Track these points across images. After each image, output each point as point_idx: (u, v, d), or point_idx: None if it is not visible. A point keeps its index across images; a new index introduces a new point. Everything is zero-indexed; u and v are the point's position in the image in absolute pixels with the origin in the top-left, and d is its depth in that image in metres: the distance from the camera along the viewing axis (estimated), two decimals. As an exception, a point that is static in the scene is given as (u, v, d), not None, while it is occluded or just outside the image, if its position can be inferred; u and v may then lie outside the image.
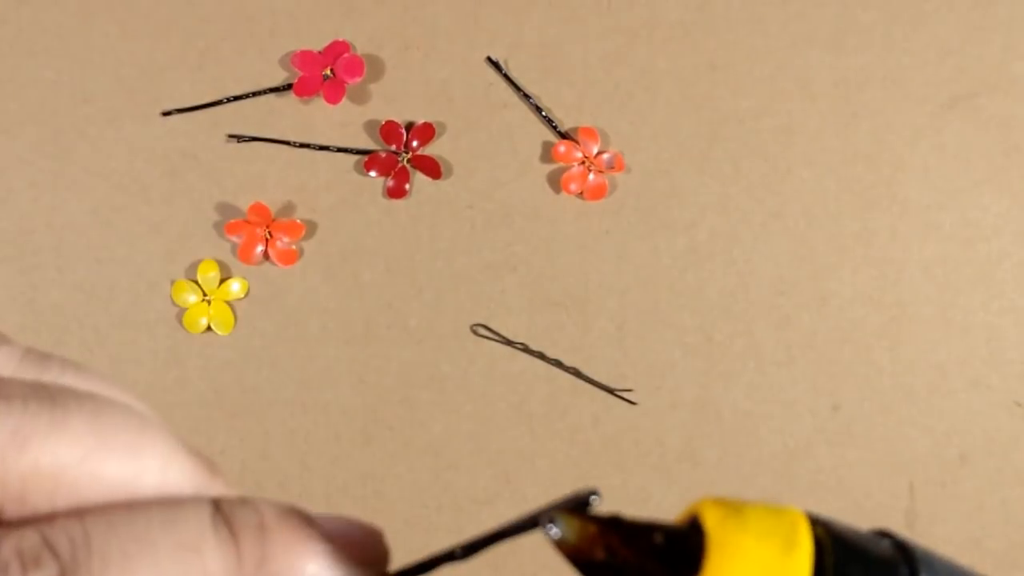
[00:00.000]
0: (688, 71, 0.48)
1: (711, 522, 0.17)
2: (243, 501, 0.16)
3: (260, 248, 0.47)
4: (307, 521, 0.16)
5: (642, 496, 0.46)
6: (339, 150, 0.47)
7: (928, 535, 0.46)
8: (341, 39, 0.48)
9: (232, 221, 0.47)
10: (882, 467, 0.46)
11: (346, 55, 0.47)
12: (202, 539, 0.15)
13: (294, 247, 0.47)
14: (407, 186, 0.47)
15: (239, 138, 0.48)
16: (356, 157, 0.48)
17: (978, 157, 0.47)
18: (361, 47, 0.48)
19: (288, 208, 0.48)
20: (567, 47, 0.48)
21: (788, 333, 0.46)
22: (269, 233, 0.47)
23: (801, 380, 0.46)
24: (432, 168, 0.47)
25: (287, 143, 0.48)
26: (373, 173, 0.47)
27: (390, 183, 0.47)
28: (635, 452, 0.46)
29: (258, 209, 0.47)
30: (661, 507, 0.46)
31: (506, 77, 0.48)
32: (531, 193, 0.47)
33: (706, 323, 0.47)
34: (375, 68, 0.48)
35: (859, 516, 0.46)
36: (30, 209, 0.48)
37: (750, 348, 0.46)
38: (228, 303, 0.47)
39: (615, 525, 0.16)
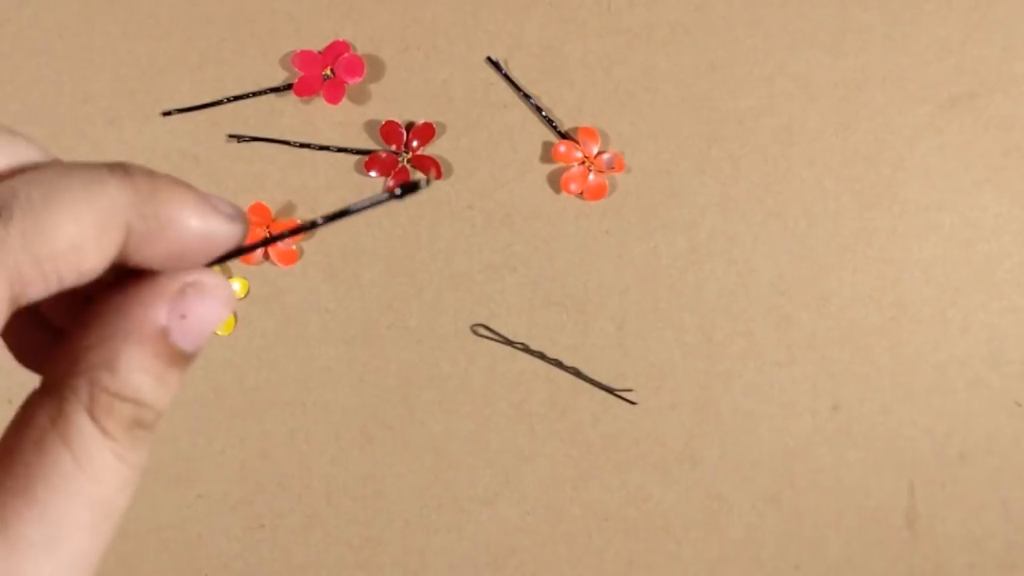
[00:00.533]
0: (688, 71, 0.48)
1: None
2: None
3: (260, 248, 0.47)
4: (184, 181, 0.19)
5: (642, 496, 0.46)
6: (339, 150, 0.47)
7: (928, 535, 0.46)
8: (341, 39, 0.48)
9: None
10: (882, 467, 0.46)
11: (346, 55, 0.47)
12: (104, 177, 0.18)
13: (294, 247, 0.47)
14: (407, 186, 0.47)
15: (239, 138, 0.48)
16: (356, 157, 0.48)
17: (978, 157, 0.47)
18: (361, 47, 0.48)
19: (288, 208, 0.48)
20: (567, 47, 0.48)
21: (788, 333, 0.46)
22: (269, 233, 0.47)
23: (801, 380, 0.46)
24: (432, 168, 0.47)
25: (287, 143, 0.48)
26: (373, 173, 0.47)
27: (390, 183, 0.47)
28: (635, 452, 0.46)
29: (258, 209, 0.47)
30: (661, 507, 0.46)
31: (506, 77, 0.48)
32: (531, 193, 0.47)
33: (706, 323, 0.47)
34: (375, 68, 0.48)
35: (859, 516, 0.46)
36: (30, 209, 0.48)
37: (750, 348, 0.46)
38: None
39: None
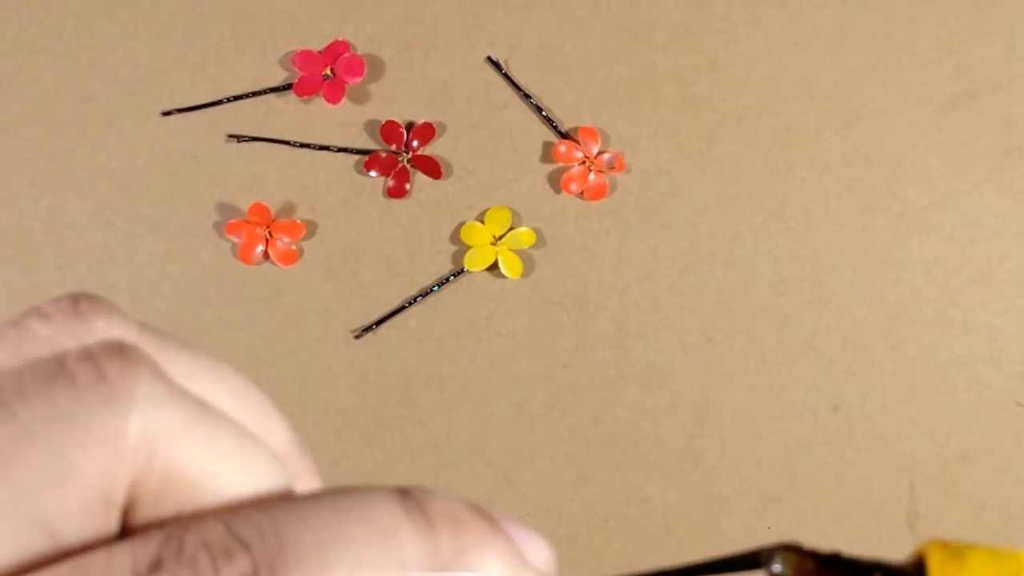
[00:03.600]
0: (688, 71, 0.48)
1: (934, 563, 0.17)
2: (427, 491, 0.15)
3: (260, 248, 0.47)
4: (493, 517, 0.16)
5: (642, 496, 0.46)
6: (339, 150, 0.47)
7: (929, 535, 0.46)
8: (341, 39, 0.48)
9: (232, 221, 0.47)
10: (882, 467, 0.46)
11: (346, 55, 0.47)
12: (397, 526, 0.13)
13: (294, 247, 0.47)
14: (407, 186, 0.47)
15: (239, 138, 0.48)
16: (356, 157, 0.48)
17: (978, 157, 0.47)
18: (361, 47, 0.48)
19: (288, 208, 0.48)
20: (567, 47, 0.48)
21: (788, 333, 0.46)
22: (269, 233, 0.47)
23: (801, 380, 0.46)
24: (432, 168, 0.47)
25: (287, 143, 0.48)
26: (373, 173, 0.47)
27: (390, 183, 0.47)
28: (635, 452, 0.46)
29: (258, 209, 0.47)
30: (661, 507, 0.46)
31: (506, 77, 0.48)
32: (531, 193, 0.47)
33: (706, 323, 0.47)
34: (375, 68, 0.48)
35: (860, 516, 0.46)
36: (30, 209, 0.48)
37: (750, 348, 0.46)
38: (228, 303, 0.47)
39: (835, 563, 0.17)
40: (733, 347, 0.46)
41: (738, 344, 0.47)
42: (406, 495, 0.14)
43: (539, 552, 0.17)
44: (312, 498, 0.14)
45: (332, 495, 0.14)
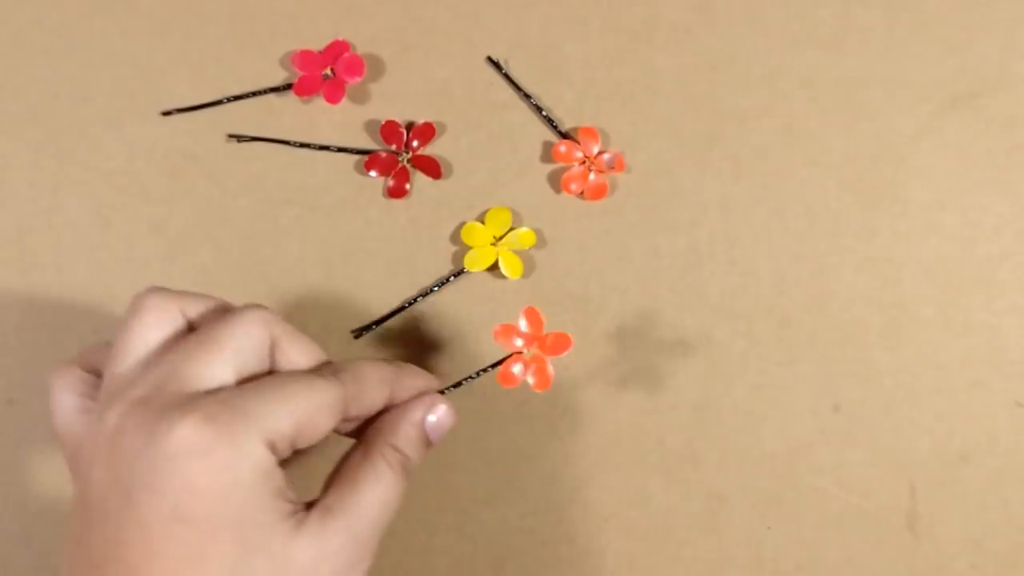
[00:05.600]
0: (688, 71, 0.48)
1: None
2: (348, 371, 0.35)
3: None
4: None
5: (642, 496, 0.46)
6: (339, 150, 0.47)
7: (929, 536, 0.46)
8: (341, 39, 0.48)
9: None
10: (883, 467, 0.46)
11: (346, 55, 0.47)
12: (386, 376, 0.36)
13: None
14: (407, 186, 0.47)
15: (239, 138, 0.48)
16: (356, 157, 0.48)
17: (979, 157, 0.47)
18: (361, 47, 0.48)
19: (288, 208, 0.48)
20: (567, 47, 0.48)
21: (788, 333, 0.46)
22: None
23: (801, 380, 0.46)
24: (432, 168, 0.47)
25: (287, 143, 0.48)
26: (373, 173, 0.47)
27: (390, 183, 0.47)
28: (635, 452, 0.46)
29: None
30: (661, 507, 0.46)
31: (506, 77, 0.48)
32: (531, 193, 0.47)
33: (706, 323, 0.47)
34: (375, 68, 0.48)
35: (860, 517, 0.46)
36: (30, 209, 0.48)
37: (750, 348, 0.46)
38: (228, 303, 0.47)
39: None
40: (733, 347, 0.46)
41: (738, 344, 0.46)
42: (384, 368, 0.37)
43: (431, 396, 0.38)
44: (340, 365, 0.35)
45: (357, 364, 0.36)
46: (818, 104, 0.47)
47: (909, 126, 0.47)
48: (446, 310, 0.47)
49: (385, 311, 0.47)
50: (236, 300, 0.47)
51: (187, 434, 0.29)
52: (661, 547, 0.46)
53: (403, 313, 0.47)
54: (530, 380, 0.42)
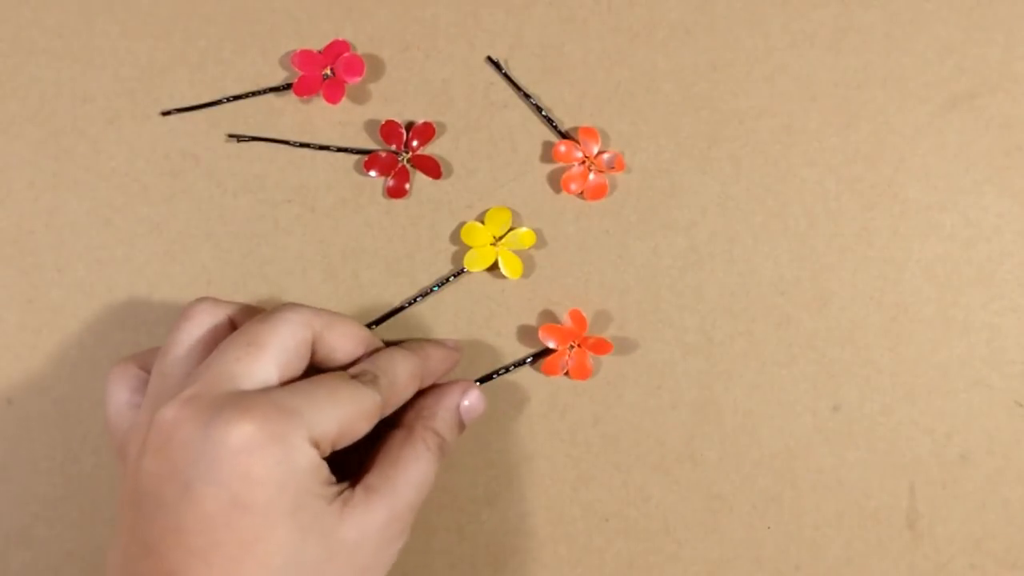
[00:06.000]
0: (688, 71, 0.48)
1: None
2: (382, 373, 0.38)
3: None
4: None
5: (642, 496, 0.46)
6: (339, 150, 0.47)
7: (929, 535, 0.46)
8: (341, 39, 0.48)
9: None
10: (883, 467, 0.46)
11: (346, 55, 0.47)
12: (415, 366, 0.40)
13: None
14: (407, 186, 0.47)
15: (239, 138, 0.48)
16: (356, 157, 0.48)
17: (979, 157, 0.47)
18: (361, 47, 0.48)
19: (288, 207, 0.48)
20: (567, 47, 0.48)
21: (788, 333, 0.46)
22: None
23: (801, 380, 0.46)
24: (432, 168, 0.47)
25: (287, 143, 0.48)
26: (373, 173, 0.47)
27: (390, 183, 0.47)
28: (635, 452, 0.46)
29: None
30: (661, 507, 0.46)
31: (506, 77, 0.48)
32: (531, 193, 0.47)
33: (706, 323, 0.47)
34: (375, 68, 0.48)
35: (860, 517, 0.46)
36: (30, 209, 0.48)
37: (750, 348, 0.46)
38: (228, 303, 0.47)
39: None
40: (733, 347, 0.46)
41: (738, 344, 0.46)
42: (413, 359, 0.41)
43: (471, 401, 0.43)
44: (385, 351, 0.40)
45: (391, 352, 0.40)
46: (817, 104, 0.47)
47: (908, 126, 0.47)
48: (446, 310, 0.47)
49: (385, 311, 0.47)
50: (236, 300, 0.47)
51: (244, 430, 0.31)
52: (661, 547, 0.46)
53: (403, 313, 0.47)
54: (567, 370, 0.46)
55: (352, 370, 0.37)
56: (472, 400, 0.42)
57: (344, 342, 0.38)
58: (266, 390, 0.34)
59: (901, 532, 0.46)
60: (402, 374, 0.38)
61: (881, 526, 0.46)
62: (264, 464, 0.32)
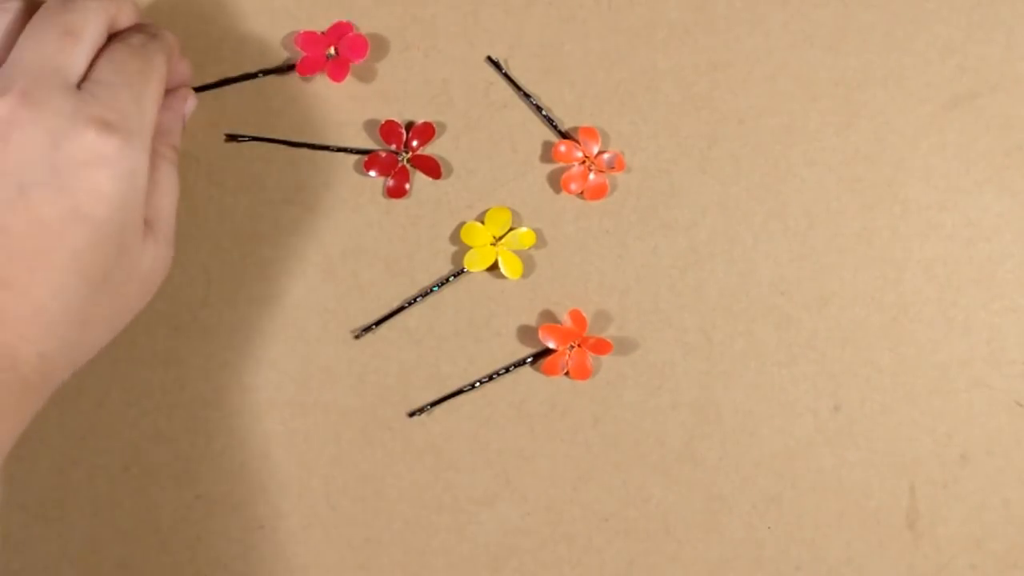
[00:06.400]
0: (688, 71, 0.48)
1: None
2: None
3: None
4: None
5: (642, 496, 0.46)
6: (338, 149, 0.47)
7: (929, 535, 0.46)
8: (344, 20, 0.48)
9: (232, 221, 0.47)
10: (883, 467, 0.46)
11: (350, 34, 0.47)
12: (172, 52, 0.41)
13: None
14: (407, 186, 0.47)
15: (238, 138, 0.48)
16: (355, 157, 0.48)
17: (979, 157, 0.47)
18: (361, 47, 0.48)
19: (287, 207, 0.47)
20: (567, 47, 0.48)
21: (788, 333, 0.46)
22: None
23: (801, 380, 0.46)
24: (432, 168, 0.47)
25: (286, 143, 0.48)
26: (373, 173, 0.47)
27: (390, 183, 0.47)
28: (635, 452, 0.46)
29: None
30: (661, 507, 0.46)
31: (506, 77, 0.48)
32: (531, 193, 0.47)
33: (706, 323, 0.47)
34: (375, 68, 0.48)
35: (860, 517, 0.46)
36: (30, 209, 0.48)
37: (750, 348, 0.46)
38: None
39: None
40: (733, 347, 0.46)
41: (738, 344, 0.46)
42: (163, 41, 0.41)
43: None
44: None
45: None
46: (818, 104, 0.47)
47: (909, 126, 0.47)
48: (446, 310, 0.47)
49: (385, 311, 0.47)
50: (236, 300, 0.47)
51: (93, 141, 0.32)
52: (661, 547, 0.46)
53: (403, 313, 0.47)
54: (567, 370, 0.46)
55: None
56: (191, 104, 0.43)
57: (126, 22, 0.39)
58: (109, 95, 0.34)
59: (901, 532, 0.46)
60: (168, 50, 0.41)
61: (881, 526, 0.46)
62: (114, 179, 0.33)
